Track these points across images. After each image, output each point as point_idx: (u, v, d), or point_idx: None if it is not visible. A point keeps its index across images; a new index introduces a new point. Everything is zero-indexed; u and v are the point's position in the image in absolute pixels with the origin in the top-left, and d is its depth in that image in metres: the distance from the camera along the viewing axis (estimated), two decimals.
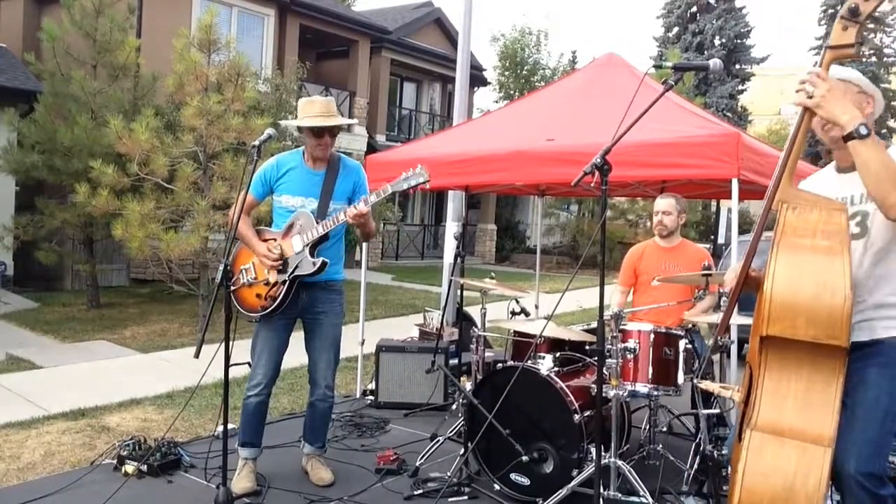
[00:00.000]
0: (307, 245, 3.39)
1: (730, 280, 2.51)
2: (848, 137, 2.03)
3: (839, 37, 2.04)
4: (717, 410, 3.59)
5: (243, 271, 3.51)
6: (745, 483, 1.99)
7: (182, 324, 8.54)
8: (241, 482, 3.48)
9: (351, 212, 3.29)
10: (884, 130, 26.16)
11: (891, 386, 2.12)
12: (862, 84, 2.28)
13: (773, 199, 2.14)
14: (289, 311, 3.50)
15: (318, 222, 3.39)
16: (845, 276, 1.95)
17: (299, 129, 3.53)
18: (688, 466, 3.61)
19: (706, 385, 2.72)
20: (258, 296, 3.47)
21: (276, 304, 3.43)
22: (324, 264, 3.40)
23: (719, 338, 2.85)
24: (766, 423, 2.02)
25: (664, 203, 4.34)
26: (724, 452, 3.13)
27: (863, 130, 2.00)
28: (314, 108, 3.48)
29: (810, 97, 2.06)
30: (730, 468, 3.00)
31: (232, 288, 3.49)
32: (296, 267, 3.41)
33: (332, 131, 3.52)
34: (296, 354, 3.71)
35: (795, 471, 1.94)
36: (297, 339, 3.66)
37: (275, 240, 3.46)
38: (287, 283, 3.41)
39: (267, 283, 3.44)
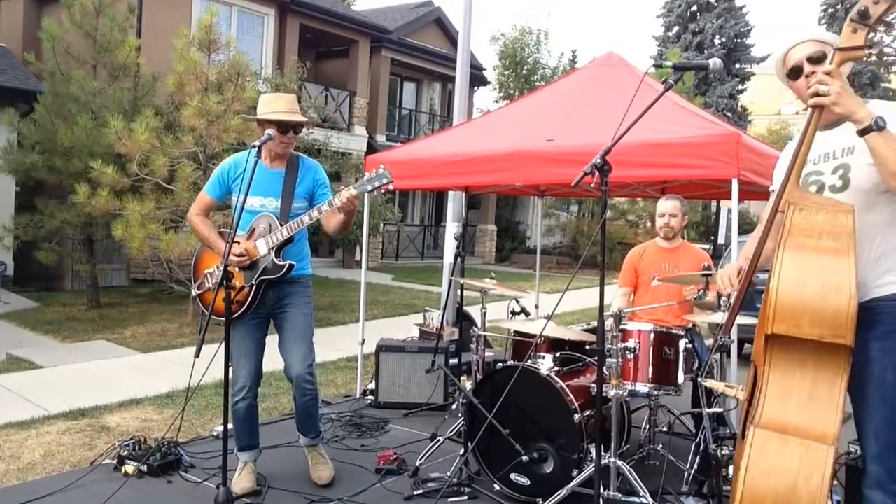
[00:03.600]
0: (272, 248, 3.35)
1: (724, 283, 2.51)
2: (866, 131, 2.02)
3: (849, 39, 2.04)
4: (719, 409, 3.58)
5: (207, 275, 3.47)
6: (747, 480, 1.99)
7: (182, 324, 8.53)
8: (241, 482, 3.48)
9: (348, 194, 3.13)
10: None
11: (894, 360, 2.11)
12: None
13: (781, 200, 2.13)
14: (259, 310, 3.46)
15: (281, 224, 3.35)
16: (850, 275, 1.94)
17: (259, 123, 3.46)
18: (688, 466, 3.61)
19: (710, 384, 2.71)
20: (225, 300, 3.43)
21: (244, 308, 3.39)
22: (290, 267, 3.37)
23: (721, 337, 2.85)
24: (770, 420, 2.02)
25: (670, 205, 4.33)
26: (724, 452, 3.12)
27: (881, 123, 2.00)
28: (280, 104, 3.44)
29: (823, 96, 2.05)
30: (731, 468, 3.02)
31: (196, 293, 3.48)
32: (262, 270, 3.37)
33: (297, 128, 3.50)
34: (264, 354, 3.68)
35: (798, 469, 1.94)
36: None
37: (238, 243, 3.36)
38: (254, 286, 3.37)
39: (233, 288, 3.33)
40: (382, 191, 3.40)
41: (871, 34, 2.05)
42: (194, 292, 3.52)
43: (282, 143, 3.45)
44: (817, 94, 2.06)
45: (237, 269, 3.36)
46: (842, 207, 2.08)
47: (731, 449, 3.11)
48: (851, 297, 1.93)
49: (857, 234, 2.07)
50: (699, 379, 3.44)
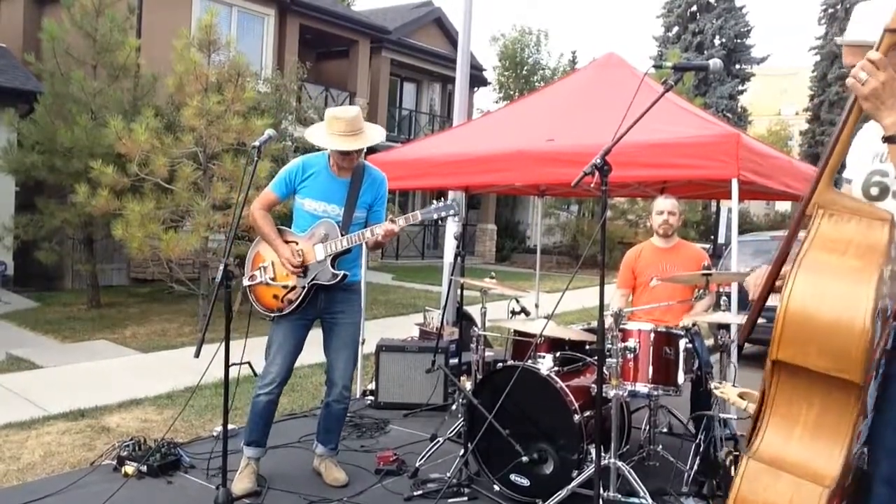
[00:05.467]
0: (329, 256, 3.42)
1: (752, 284, 2.35)
2: (890, 140, 1.82)
3: None
4: (732, 415, 3.55)
5: (262, 269, 3.53)
6: None
7: (182, 324, 8.53)
8: (241, 482, 3.47)
9: (388, 227, 3.32)
10: None
11: None
12: None
13: (809, 202, 1.86)
14: (306, 312, 3.53)
15: (342, 233, 3.43)
16: (868, 303, 1.69)
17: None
18: (688, 467, 3.61)
19: (722, 392, 2.64)
20: (275, 296, 3.49)
21: (292, 307, 3.47)
22: (344, 277, 3.46)
23: (720, 337, 2.81)
24: (767, 452, 1.86)
25: (669, 203, 4.33)
26: (725, 453, 3.12)
27: None
28: (340, 126, 3.39)
29: (861, 84, 1.77)
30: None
31: (248, 284, 3.54)
32: (315, 275, 3.44)
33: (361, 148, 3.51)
34: (299, 356, 3.69)
35: None
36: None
37: (297, 243, 3.48)
38: (305, 289, 3.44)
39: (285, 287, 3.46)
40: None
41: None
42: (246, 282, 3.56)
43: (345, 161, 3.49)
44: (856, 80, 1.78)
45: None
46: (878, 215, 1.80)
47: (732, 450, 3.11)
48: (864, 331, 1.67)
49: None
50: (712, 387, 3.37)
